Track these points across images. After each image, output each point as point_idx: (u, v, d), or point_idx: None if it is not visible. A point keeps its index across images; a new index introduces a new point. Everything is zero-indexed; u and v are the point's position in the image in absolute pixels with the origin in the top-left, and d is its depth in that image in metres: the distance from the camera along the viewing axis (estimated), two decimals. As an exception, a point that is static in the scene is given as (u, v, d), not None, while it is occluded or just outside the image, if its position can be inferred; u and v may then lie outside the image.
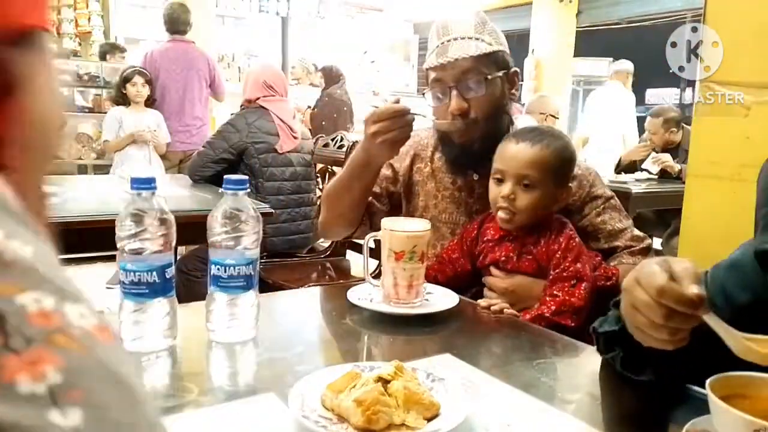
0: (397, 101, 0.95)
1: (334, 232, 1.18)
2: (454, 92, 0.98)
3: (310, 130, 3.36)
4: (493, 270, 0.95)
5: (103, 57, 3.76)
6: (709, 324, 0.48)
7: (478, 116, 0.99)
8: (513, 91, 1.05)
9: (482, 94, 0.98)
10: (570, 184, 0.96)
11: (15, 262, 0.16)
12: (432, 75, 1.01)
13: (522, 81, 5.29)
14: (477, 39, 0.99)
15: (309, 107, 4.15)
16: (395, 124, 0.90)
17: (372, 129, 0.91)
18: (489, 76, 0.98)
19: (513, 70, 1.04)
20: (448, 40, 0.99)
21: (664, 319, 0.48)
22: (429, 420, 0.51)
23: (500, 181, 0.92)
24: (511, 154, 0.92)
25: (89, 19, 3.99)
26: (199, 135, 3.09)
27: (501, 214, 0.92)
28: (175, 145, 3.05)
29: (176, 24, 3.03)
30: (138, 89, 2.83)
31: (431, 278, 0.96)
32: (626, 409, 0.61)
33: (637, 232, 1.04)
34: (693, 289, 0.47)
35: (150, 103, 2.94)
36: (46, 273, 0.16)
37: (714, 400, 0.46)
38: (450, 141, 1.04)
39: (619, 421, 0.59)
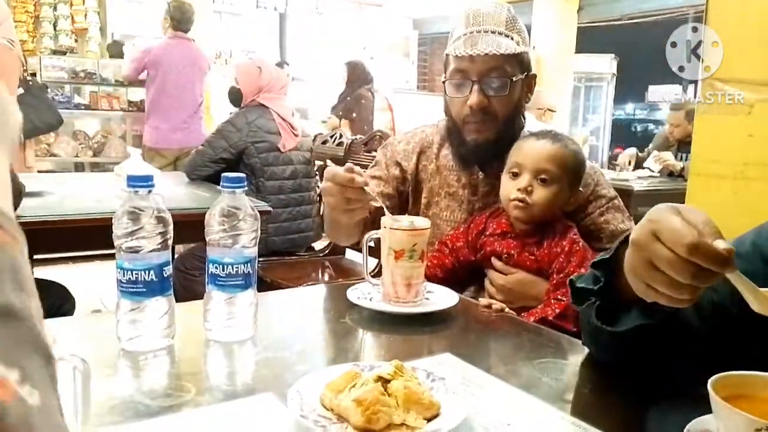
0: (351, 170, 0.82)
1: (339, 241, 1.18)
2: (476, 87, 0.97)
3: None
4: (494, 261, 0.95)
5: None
6: (732, 281, 0.44)
7: (496, 115, 0.98)
8: (529, 94, 1.05)
9: (504, 95, 0.97)
10: (580, 189, 0.96)
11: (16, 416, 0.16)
12: (455, 64, 0.98)
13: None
14: (507, 36, 0.97)
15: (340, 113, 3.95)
16: (342, 193, 0.82)
17: (322, 187, 0.86)
18: (513, 78, 0.97)
19: (532, 74, 1.03)
20: (478, 31, 0.96)
21: (691, 277, 0.43)
22: (429, 420, 0.51)
23: (516, 176, 0.92)
24: (532, 148, 0.92)
25: (86, 15, 3.96)
26: (197, 132, 3.08)
27: (515, 207, 0.91)
28: (172, 141, 3.05)
29: (185, 22, 3.03)
30: None
31: (431, 273, 0.95)
32: (627, 409, 0.60)
33: None
34: (722, 245, 0.42)
35: None
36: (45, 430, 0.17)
37: (716, 400, 0.45)
38: (461, 136, 1.02)
39: (620, 421, 0.58)
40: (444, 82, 1.02)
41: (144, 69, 3.03)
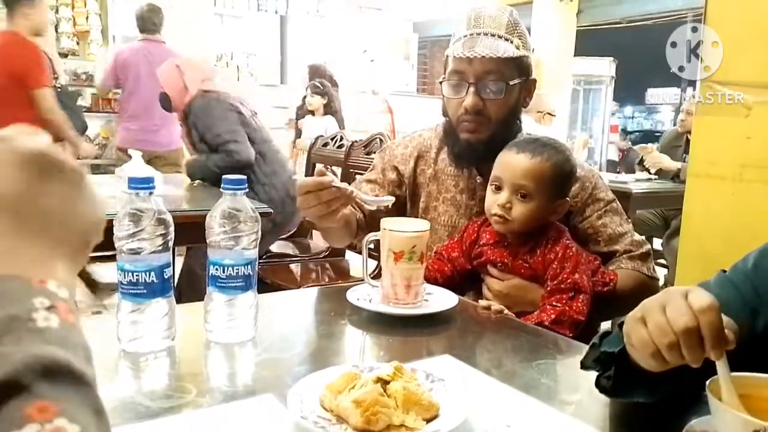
0: (322, 173, 0.85)
1: (334, 242, 1.19)
2: (472, 89, 0.97)
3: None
4: (491, 269, 0.95)
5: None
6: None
7: (490, 117, 0.99)
8: (527, 99, 1.05)
9: (500, 98, 0.97)
10: (567, 198, 0.95)
11: None
12: (453, 65, 0.99)
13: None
14: (507, 40, 0.97)
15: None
16: (310, 201, 0.83)
17: (298, 202, 0.86)
18: (510, 82, 0.97)
19: (532, 78, 1.03)
20: (478, 33, 0.97)
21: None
22: (428, 421, 0.51)
23: (498, 189, 0.92)
24: (510, 163, 0.91)
25: (87, 18, 3.97)
26: (167, 135, 3.11)
27: (495, 221, 0.92)
28: (142, 143, 3.05)
29: (145, 23, 3.12)
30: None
31: (431, 277, 0.96)
32: (626, 409, 0.61)
33: (637, 236, 1.03)
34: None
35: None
36: None
37: (714, 401, 0.45)
38: (456, 135, 1.03)
39: (619, 422, 0.59)
40: (441, 83, 1.03)
41: (117, 75, 3.10)
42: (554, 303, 0.87)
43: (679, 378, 0.50)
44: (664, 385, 0.53)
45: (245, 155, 2.02)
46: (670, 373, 0.49)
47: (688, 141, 3.01)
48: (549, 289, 0.89)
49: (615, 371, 0.54)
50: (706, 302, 0.45)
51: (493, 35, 0.97)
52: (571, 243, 0.92)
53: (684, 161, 2.90)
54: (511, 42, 0.98)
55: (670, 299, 0.47)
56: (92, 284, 2.86)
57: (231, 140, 2.02)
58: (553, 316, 0.85)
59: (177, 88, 2.09)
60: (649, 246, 1.04)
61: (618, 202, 1.05)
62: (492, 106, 0.98)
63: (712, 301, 0.46)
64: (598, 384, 0.57)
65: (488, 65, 0.95)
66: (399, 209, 1.11)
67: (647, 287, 0.99)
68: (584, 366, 0.58)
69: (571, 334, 0.84)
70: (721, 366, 0.46)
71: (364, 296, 0.85)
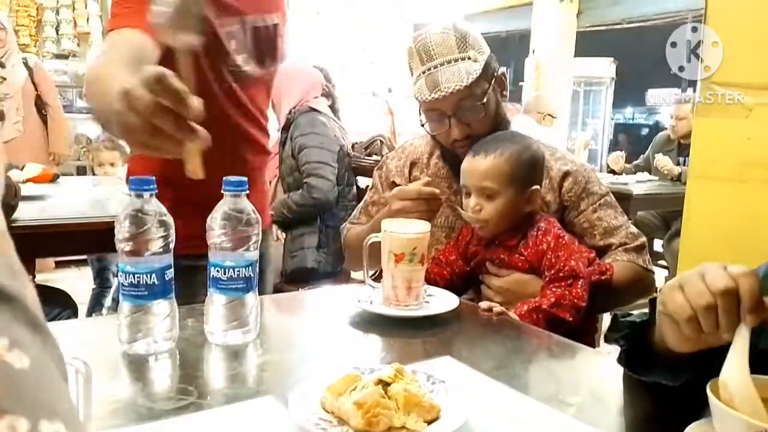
0: (427, 183, 0.94)
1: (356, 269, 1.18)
2: (454, 120, 0.98)
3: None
4: (489, 266, 0.96)
5: None
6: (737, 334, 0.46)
7: (479, 131, 1.00)
8: (503, 93, 1.05)
9: (482, 115, 0.99)
10: (536, 187, 0.94)
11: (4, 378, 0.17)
12: (425, 105, 1.00)
13: (522, 81, 5.25)
14: (463, 59, 0.97)
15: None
16: (419, 207, 0.90)
17: (396, 206, 0.91)
18: (485, 98, 0.98)
19: (500, 72, 1.03)
20: (435, 67, 0.96)
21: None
22: (429, 423, 0.51)
23: (468, 195, 0.95)
24: (469, 168, 0.93)
25: (88, 19, 3.98)
26: None
27: (476, 227, 0.94)
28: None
29: None
30: None
31: (431, 282, 0.96)
32: (626, 411, 0.61)
33: (632, 229, 1.04)
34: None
35: None
36: (31, 390, 0.18)
37: (715, 403, 0.45)
38: (452, 152, 1.04)
39: (620, 423, 0.59)
40: (422, 125, 1.03)
41: None
42: (553, 289, 0.88)
43: (697, 365, 0.49)
44: (683, 368, 0.52)
45: (323, 194, 1.82)
46: (689, 359, 0.48)
47: (680, 144, 3.02)
48: (548, 278, 0.89)
49: (635, 345, 0.53)
50: (745, 269, 0.45)
51: (449, 62, 0.96)
52: (562, 232, 0.92)
53: (678, 164, 2.91)
54: (469, 58, 0.97)
55: (708, 269, 0.47)
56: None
57: (314, 173, 1.81)
58: (552, 300, 0.86)
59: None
60: (644, 238, 1.04)
61: (612, 196, 1.05)
62: (477, 124, 1.00)
63: (752, 270, 0.45)
64: (620, 359, 0.56)
65: (459, 95, 0.96)
66: None
67: (643, 279, 1.00)
68: (607, 339, 0.58)
69: (571, 318, 0.84)
70: (741, 339, 0.45)
71: (365, 298, 0.85)
